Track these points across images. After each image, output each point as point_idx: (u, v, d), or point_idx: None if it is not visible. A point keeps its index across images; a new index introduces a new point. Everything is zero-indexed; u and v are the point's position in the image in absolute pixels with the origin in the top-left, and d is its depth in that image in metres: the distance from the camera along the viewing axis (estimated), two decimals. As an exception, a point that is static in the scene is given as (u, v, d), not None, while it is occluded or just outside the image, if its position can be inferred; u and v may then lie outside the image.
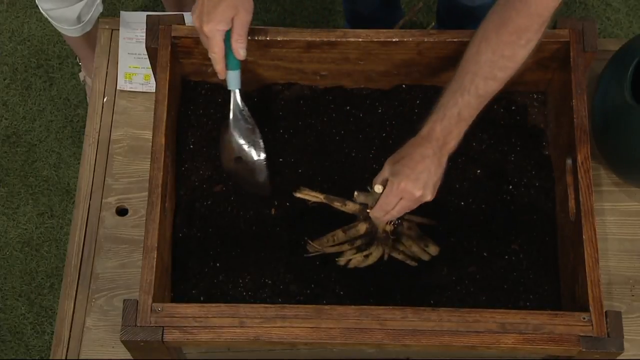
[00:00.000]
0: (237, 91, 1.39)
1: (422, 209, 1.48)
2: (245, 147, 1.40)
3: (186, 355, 1.44)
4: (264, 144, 1.43)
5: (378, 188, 1.36)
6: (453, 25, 2.18)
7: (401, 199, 1.34)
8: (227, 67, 1.36)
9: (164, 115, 1.40)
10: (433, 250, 1.44)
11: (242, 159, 1.43)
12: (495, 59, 1.30)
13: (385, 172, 1.35)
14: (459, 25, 2.14)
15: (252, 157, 1.40)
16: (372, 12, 2.17)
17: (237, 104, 1.39)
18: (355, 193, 1.40)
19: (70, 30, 2.03)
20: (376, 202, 1.37)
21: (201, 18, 1.30)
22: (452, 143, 1.33)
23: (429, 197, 1.34)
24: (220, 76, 1.35)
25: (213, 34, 1.31)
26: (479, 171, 1.51)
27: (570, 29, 1.44)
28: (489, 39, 1.31)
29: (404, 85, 1.55)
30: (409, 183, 1.32)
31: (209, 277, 1.45)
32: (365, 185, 1.42)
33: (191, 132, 1.53)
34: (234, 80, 1.38)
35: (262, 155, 1.39)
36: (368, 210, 1.40)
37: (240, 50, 1.32)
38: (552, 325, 1.28)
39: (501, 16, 1.30)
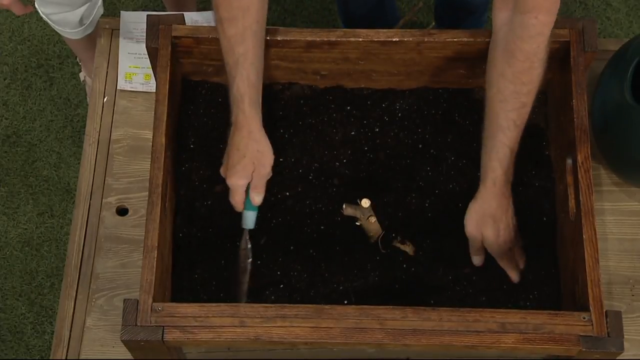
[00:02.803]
0: (247, 231, 1.45)
1: (423, 208, 1.48)
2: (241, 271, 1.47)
3: (186, 355, 1.44)
4: None
5: (365, 202, 1.40)
6: (450, 20, 2.18)
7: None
8: (245, 207, 1.43)
9: (164, 115, 1.40)
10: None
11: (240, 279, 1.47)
12: (518, 89, 1.34)
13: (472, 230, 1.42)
14: (455, 20, 2.15)
15: (241, 284, 1.46)
16: (366, 14, 2.17)
17: (244, 241, 1.45)
18: (344, 205, 1.41)
19: (71, 33, 2.03)
20: (364, 215, 1.40)
21: (226, 171, 1.40)
22: (511, 174, 1.40)
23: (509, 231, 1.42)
24: (238, 210, 1.44)
25: (234, 187, 1.41)
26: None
27: (570, 28, 1.44)
28: (504, 75, 1.34)
29: (404, 86, 1.55)
30: (492, 234, 1.40)
31: (209, 277, 1.45)
32: (363, 185, 1.43)
33: (191, 132, 1.53)
34: (249, 220, 1.44)
35: (245, 288, 1.45)
36: (357, 223, 1.42)
37: (255, 198, 1.42)
38: (552, 325, 1.28)
39: (507, 48, 1.33)
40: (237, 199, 1.41)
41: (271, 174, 1.42)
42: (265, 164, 1.41)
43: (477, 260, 1.44)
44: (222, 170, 1.41)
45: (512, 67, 1.33)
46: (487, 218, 1.40)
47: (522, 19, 1.29)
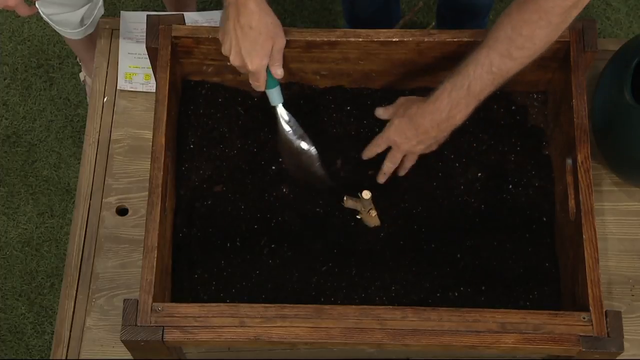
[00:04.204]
0: (281, 105, 1.44)
1: (424, 208, 1.48)
2: (300, 153, 1.45)
3: (186, 355, 1.44)
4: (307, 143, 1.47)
5: (366, 194, 1.41)
6: (452, 21, 2.18)
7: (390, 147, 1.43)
8: (266, 87, 1.41)
9: (164, 115, 1.40)
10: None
11: (301, 162, 1.46)
12: (514, 37, 1.28)
13: (390, 111, 1.43)
14: (458, 22, 2.15)
15: (307, 158, 1.45)
16: (371, 15, 2.17)
17: (282, 116, 1.44)
18: (345, 198, 1.42)
19: (72, 34, 2.03)
20: (365, 208, 1.41)
21: (242, 57, 1.34)
22: (458, 117, 1.34)
23: (417, 152, 1.42)
24: (260, 90, 1.41)
25: (258, 69, 1.36)
26: (479, 171, 1.51)
27: (570, 29, 1.44)
28: (510, 15, 1.29)
29: (404, 86, 1.55)
30: (397, 139, 1.40)
31: (209, 277, 1.44)
32: (363, 186, 1.43)
33: (191, 132, 1.53)
34: (275, 97, 1.43)
35: (314, 152, 1.44)
36: (358, 217, 1.43)
37: (277, 71, 1.38)
38: (552, 325, 1.29)
39: None
40: (261, 81, 1.37)
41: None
42: (281, 35, 1.35)
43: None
44: (233, 58, 1.35)
45: (520, 13, 1.27)
46: (399, 123, 1.39)
47: None
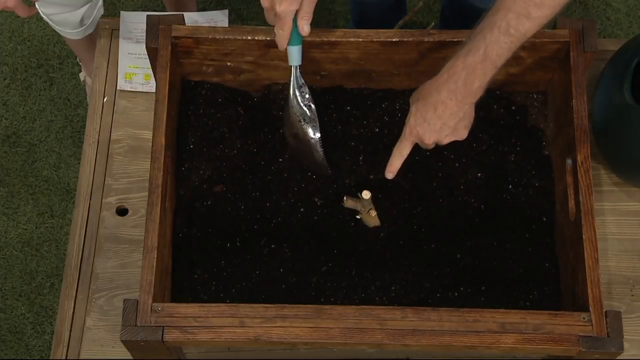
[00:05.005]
0: (298, 67, 1.40)
1: (424, 208, 1.48)
2: (302, 124, 1.41)
3: (186, 355, 1.44)
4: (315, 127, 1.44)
5: (366, 194, 1.40)
6: (456, 24, 2.18)
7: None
8: (288, 43, 1.36)
9: (164, 115, 1.40)
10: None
11: (299, 135, 1.43)
12: None
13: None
14: (462, 25, 2.14)
15: (307, 135, 1.42)
16: (379, 16, 2.17)
17: (297, 79, 1.41)
18: (345, 198, 1.42)
19: (72, 34, 2.03)
20: (364, 208, 1.41)
21: None
22: (476, 84, 1.27)
23: (445, 141, 1.33)
24: (281, 48, 1.36)
25: (286, 14, 1.31)
26: (479, 171, 1.51)
27: (570, 29, 1.44)
28: None
29: (404, 85, 1.55)
30: (420, 129, 1.32)
31: (209, 277, 1.45)
32: (364, 185, 1.43)
33: (191, 132, 1.53)
34: (295, 56, 1.39)
35: (317, 135, 1.41)
36: (358, 217, 1.42)
37: (305, 27, 1.33)
38: (552, 325, 1.29)
39: None
40: (286, 30, 1.32)
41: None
42: None
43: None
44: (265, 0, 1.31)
45: None
46: (416, 109, 1.31)
47: None
